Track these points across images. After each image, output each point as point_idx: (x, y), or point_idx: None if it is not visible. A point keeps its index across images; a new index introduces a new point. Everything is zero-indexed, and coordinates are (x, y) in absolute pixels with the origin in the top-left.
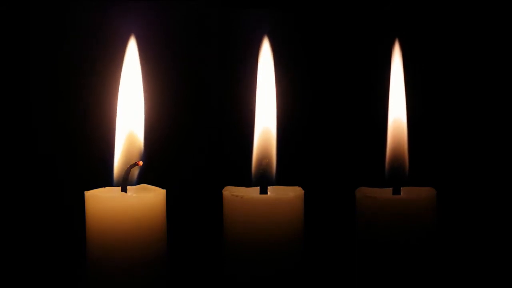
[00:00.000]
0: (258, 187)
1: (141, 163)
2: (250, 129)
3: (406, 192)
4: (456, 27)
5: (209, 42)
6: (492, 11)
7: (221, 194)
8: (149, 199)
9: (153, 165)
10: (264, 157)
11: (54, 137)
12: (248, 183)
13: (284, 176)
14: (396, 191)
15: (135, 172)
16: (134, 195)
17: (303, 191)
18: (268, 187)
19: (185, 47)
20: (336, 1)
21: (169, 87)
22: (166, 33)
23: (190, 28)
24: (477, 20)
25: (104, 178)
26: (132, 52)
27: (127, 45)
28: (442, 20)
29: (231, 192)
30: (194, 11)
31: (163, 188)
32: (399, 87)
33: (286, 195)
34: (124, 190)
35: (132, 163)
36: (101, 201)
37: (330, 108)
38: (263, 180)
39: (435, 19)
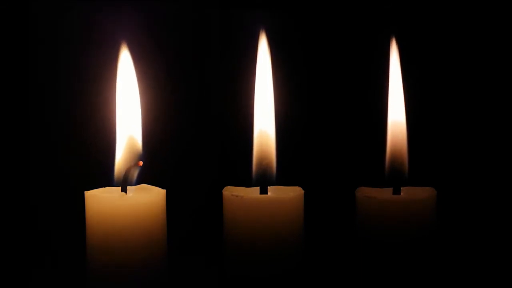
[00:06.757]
0: (258, 187)
1: (141, 163)
2: (250, 129)
3: (406, 192)
4: (456, 27)
5: (209, 42)
6: (492, 10)
7: (221, 194)
8: (149, 199)
9: (153, 165)
10: (264, 157)
11: (54, 138)
12: (248, 183)
13: (284, 176)
14: (396, 191)
15: (135, 172)
16: (134, 195)
17: (303, 191)
18: (268, 187)
19: (184, 47)
20: (337, 0)
21: (169, 87)
22: (166, 33)
23: (190, 28)
24: (477, 19)
25: (104, 178)
26: (129, 54)
27: (124, 46)
28: (442, 19)
29: (231, 192)
30: (193, 12)
31: (163, 188)
32: (399, 87)
33: (286, 195)
34: (124, 190)
35: (132, 163)
36: (101, 201)
37: (330, 108)
38: (263, 180)
39: (435, 19)
